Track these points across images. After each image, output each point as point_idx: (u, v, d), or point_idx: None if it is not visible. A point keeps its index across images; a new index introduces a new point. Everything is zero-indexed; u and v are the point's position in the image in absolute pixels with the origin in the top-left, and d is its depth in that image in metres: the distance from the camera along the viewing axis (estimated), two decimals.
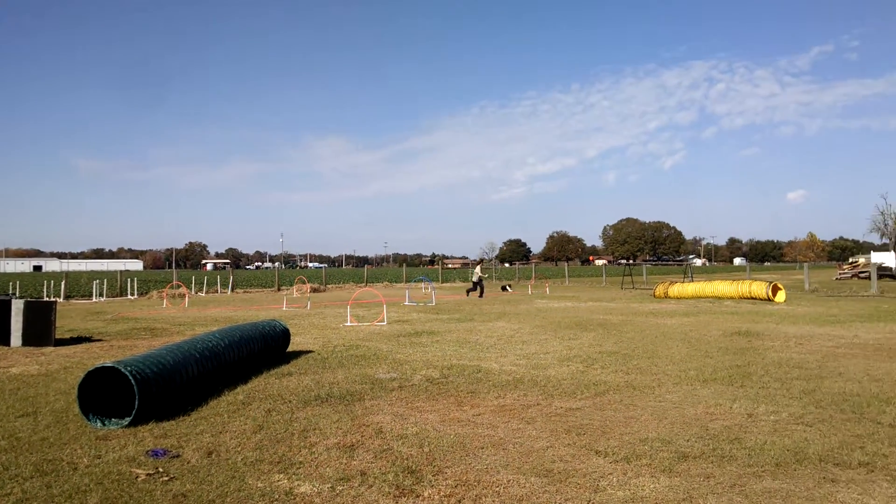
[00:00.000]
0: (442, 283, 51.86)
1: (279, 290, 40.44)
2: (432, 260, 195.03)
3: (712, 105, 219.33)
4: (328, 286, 44.96)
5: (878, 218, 50.14)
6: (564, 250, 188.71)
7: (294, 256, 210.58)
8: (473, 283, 30.91)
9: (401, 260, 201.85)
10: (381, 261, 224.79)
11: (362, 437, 6.12)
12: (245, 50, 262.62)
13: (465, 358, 10.96)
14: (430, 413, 7.09)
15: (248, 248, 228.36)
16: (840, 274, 54.00)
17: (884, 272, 44.74)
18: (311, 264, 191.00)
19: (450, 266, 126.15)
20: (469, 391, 8.23)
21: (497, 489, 4.70)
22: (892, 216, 48.96)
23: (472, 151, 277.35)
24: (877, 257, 56.36)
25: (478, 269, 32.04)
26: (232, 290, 40.04)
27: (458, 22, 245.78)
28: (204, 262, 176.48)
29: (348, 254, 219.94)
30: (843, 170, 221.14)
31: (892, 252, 49.12)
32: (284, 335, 11.29)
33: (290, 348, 11.85)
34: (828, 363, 9.92)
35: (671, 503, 4.40)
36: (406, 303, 25.85)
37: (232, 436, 6.18)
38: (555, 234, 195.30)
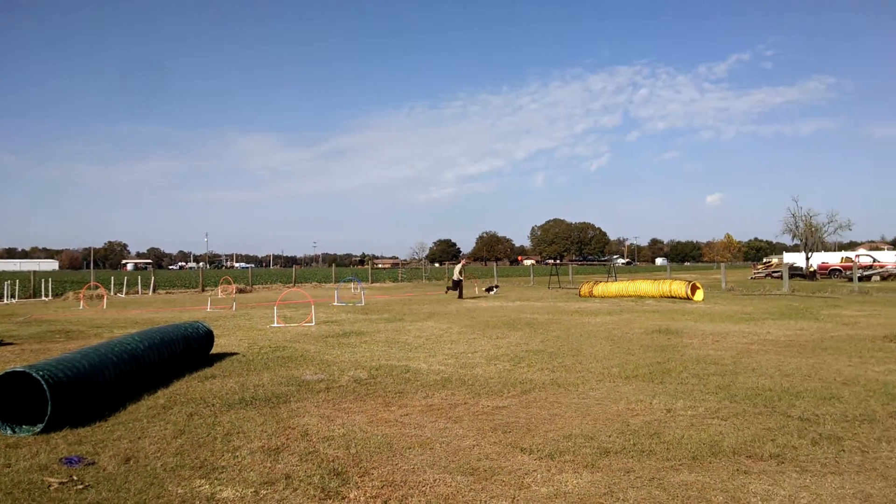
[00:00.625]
0: (372, 283, 51.61)
1: (203, 290, 39.43)
2: (362, 260, 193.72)
3: (636, 109, 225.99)
4: (255, 287, 44.09)
5: (790, 220, 52.41)
6: (494, 250, 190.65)
7: (220, 256, 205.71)
8: (453, 281, 29.61)
9: (330, 260, 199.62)
10: (309, 261, 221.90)
11: (287, 439, 6.04)
12: (161, 43, 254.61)
13: (394, 358, 10.94)
14: (357, 414, 7.06)
15: (170, 248, 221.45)
16: (755, 273, 56.37)
17: (795, 272, 46.95)
18: (237, 264, 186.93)
19: (380, 266, 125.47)
20: (397, 391, 8.23)
21: (423, 489, 4.72)
22: (803, 218, 51.29)
23: (402, 151, 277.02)
24: (789, 258, 58.97)
25: (458, 267, 30.37)
26: (154, 290, 38.80)
27: (386, 21, 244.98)
28: (124, 262, 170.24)
29: (276, 254, 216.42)
30: (757, 174, 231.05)
31: (803, 253, 51.50)
32: (208, 337, 11.03)
33: (214, 350, 11.58)
34: (742, 359, 10.34)
35: (593, 498, 4.51)
36: (335, 303, 25.62)
37: (151, 441, 6.00)
38: (484, 235, 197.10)
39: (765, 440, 5.80)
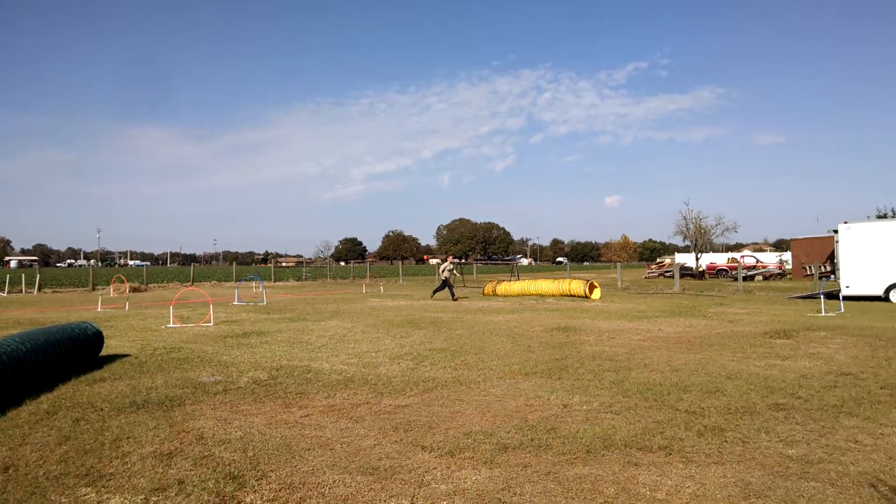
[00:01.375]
0: (274, 282, 50.52)
1: (94, 289, 37.54)
2: (265, 258, 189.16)
3: (540, 112, 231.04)
4: (150, 286, 42.34)
5: (682, 222, 55.01)
6: (400, 249, 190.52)
7: (112, 254, 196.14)
8: (442, 282, 26.93)
9: (231, 258, 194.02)
10: (209, 259, 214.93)
11: (181, 443, 5.83)
12: (50, 30, 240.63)
13: (296, 358, 10.76)
14: (255, 416, 6.90)
15: (59, 245, 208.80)
16: (648, 273, 58.81)
17: (685, 271, 49.29)
18: (131, 262, 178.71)
19: (283, 265, 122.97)
20: (298, 392, 8.09)
21: (322, 490, 4.67)
22: (693, 221, 53.89)
23: (308, 148, 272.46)
24: (680, 258, 61.87)
25: (446, 265, 27.80)
26: (39, 289, 36.61)
27: (290, 16, 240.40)
28: (7, 258, 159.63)
29: (174, 251, 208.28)
30: (652, 177, 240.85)
31: (693, 253, 54.12)
32: (97, 338, 10.50)
33: (105, 352, 11.05)
34: (635, 355, 10.76)
35: (490, 493, 4.58)
36: (235, 302, 24.95)
37: (33, 448, 5.66)
38: (391, 233, 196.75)
39: (654, 433, 6.06)
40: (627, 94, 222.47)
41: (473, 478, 4.89)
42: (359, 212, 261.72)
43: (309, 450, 5.65)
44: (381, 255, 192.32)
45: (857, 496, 4.41)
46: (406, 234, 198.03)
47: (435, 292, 27.56)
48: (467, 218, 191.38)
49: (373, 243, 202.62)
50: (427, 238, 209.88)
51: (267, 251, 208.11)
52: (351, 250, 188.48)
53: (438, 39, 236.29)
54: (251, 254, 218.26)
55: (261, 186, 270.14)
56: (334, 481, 4.84)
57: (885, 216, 51.71)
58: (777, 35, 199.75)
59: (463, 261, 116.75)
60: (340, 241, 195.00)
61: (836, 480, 4.73)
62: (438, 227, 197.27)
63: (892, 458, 5.23)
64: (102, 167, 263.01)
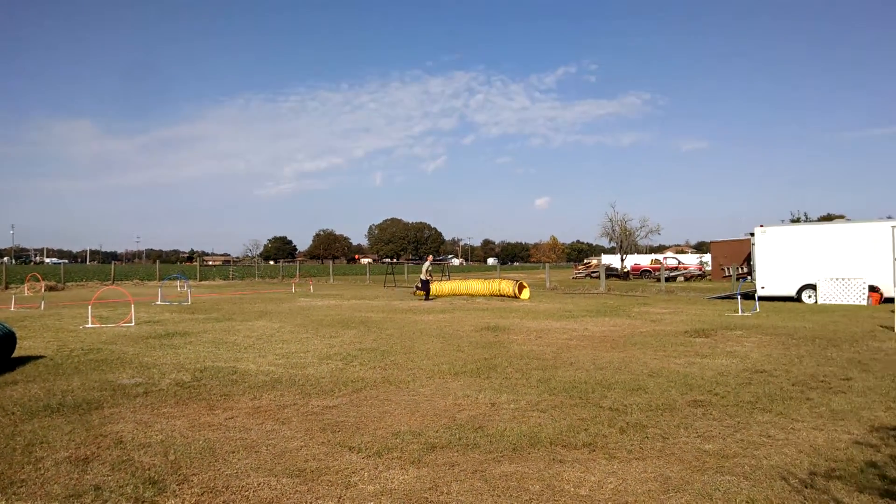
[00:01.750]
0: (200, 280, 49.27)
1: (7, 288, 35.78)
2: (191, 257, 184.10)
3: (472, 114, 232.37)
4: (68, 284, 40.68)
5: (608, 224, 56.23)
6: (331, 249, 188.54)
7: (28, 251, 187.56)
8: (422, 281, 26.47)
9: (155, 256, 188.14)
10: (132, 257, 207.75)
11: (98, 448, 5.62)
12: None
13: (221, 359, 10.52)
14: (178, 419, 6.71)
15: None
16: (576, 273, 59.99)
17: (611, 272, 50.52)
18: (48, 260, 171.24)
19: (210, 263, 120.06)
20: (223, 394, 7.92)
21: (246, 493, 4.58)
22: (619, 223, 55.21)
23: (237, 144, 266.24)
24: (606, 259, 63.34)
25: (425, 265, 27.11)
26: None
27: (219, 6, 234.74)
28: None
29: (94, 249, 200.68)
30: (581, 180, 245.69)
31: (619, 255, 55.49)
32: (8, 339, 10.01)
33: (17, 353, 10.55)
34: (562, 354, 10.96)
35: (417, 493, 4.59)
36: (158, 302, 24.21)
37: None
38: (321, 233, 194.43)
39: (579, 430, 6.19)
40: (557, 97, 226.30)
41: (401, 478, 4.88)
42: (289, 210, 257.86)
43: (233, 452, 5.53)
44: (312, 254, 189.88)
45: (769, 489, 4.60)
46: (337, 233, 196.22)
47: (417, 290, 27.45)
48: (399, 218, 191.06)
49: (303, 242, 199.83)
50: (358, 237, 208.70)
51: (193, 249, 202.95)
52: (280, 249, 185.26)
53: (371, 38, 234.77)
54: (176, 252, 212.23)
55: (187, 183, 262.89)
56: (259, 484, 4.76)
57: (798, 221, 54.20)
58: (701, 43, 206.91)
59: (394, 260, 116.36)
60: (270, 240, 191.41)
61: (750, 474, 4.93)
62: (370, 227, 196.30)
63: (802, 451, 5.48)
64: (15, 160, 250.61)
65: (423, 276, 26.50)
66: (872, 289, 21.67)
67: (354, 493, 4.60)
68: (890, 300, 18.48)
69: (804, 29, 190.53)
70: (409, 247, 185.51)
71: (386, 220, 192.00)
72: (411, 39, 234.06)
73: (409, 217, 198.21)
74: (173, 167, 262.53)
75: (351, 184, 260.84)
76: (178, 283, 40.17)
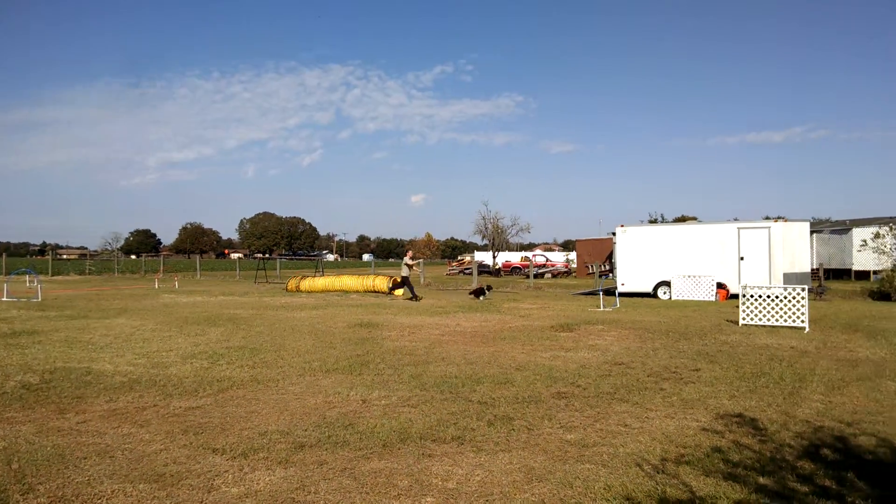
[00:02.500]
0: (53, 276, 45.96)
1: None
2: (42, 250, 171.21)
3: (348, 108, 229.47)
4: None
5: (481, 222, 57.61)
6: (198, 243, 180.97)
7: None
8: (402, 278, 24.69)
9: (1, 249, 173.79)
10: None
11: None
12: None
13: (74, 360, 9.87)
14: (23, 424, 6.23)
15: None
16: (450, 270, 60.88)
17: (483, 269, 51.64)
18: None
19: (64, 257, 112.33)
20: (75, 396, 7.43)
21: (98, 501, 4.32)
22: (492, 221, 56.61)
23: (96, 131, 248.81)
24: (479, 256, 64.69)
25: (406, 258, 25.18)
26: None
27: None
28: None
29: None
30: (456, 178, 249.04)
31: (491, 252, 56.83)
32: None
33: None
34: (434, 350, 11.09)
35: (284, 493, 4.50)
36: (4, 298, 22.36)
37: None
38: (189, 226, 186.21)
39: (448, 424, 6.28)
40: (434, 96, 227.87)
41: (267, 479, 4.77)
42: (153, 202, 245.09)
43: (85, 458, 5.20)
44: (178, 248, 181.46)
45: (624, 475, 4.86)
46: (206, 226, 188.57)
47: (393, 289, 25.53)
48: (272, 212, 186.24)
49: (168, 236, 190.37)
50: (229, 232, 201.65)
51: (45, 242, 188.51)
52: (143, 243, 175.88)
53: (245, 26, 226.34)
54: (26, 245, 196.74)
55: (40, 171, 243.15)
56: (113, 491, 4.50)
57: (655, 221, 57.57)
58: (571, 49, 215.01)
59: (267, 255, 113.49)
60: (132, 233, 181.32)
61: (608, 462, 5.19)
62: (241, 221, 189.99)
63: (655, 439, 5.83)
64: None
65: (403, 273, 24.62)
66: (720, 285, 23.37)
67: (217, 496, 4.45)
68: (735, 296, 19.98)
69: (668, 38, 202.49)
70: (282, 242, 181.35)
71: (258, 214, 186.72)
72: (287, 30, 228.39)
73: (283, 211, 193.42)
74: (24, 154, 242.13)
75: (222, 176, 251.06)
76: (27, 278, 37.25)
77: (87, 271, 52.43)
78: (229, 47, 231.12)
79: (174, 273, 49.79)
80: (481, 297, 23.31)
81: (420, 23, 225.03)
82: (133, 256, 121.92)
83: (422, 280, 36.73)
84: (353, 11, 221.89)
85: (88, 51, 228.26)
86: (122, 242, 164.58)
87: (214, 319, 15.84)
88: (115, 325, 14.66)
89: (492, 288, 24.88)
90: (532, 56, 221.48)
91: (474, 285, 26.30)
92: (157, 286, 33.06)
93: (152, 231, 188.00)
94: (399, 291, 26.22)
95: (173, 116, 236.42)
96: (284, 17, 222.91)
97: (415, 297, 23.21)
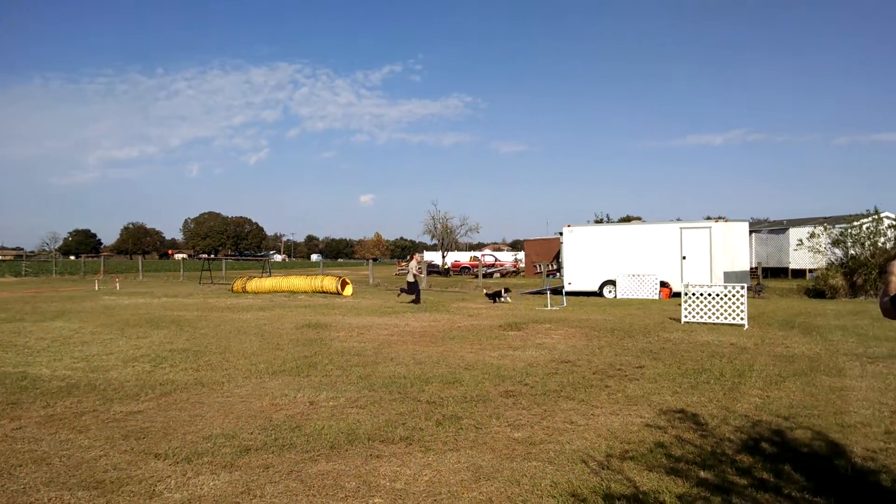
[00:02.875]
0: None
1: None
2: None
3: (296, 107, 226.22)
4: None
5: (430, 222, 57.65)
6: (141, 243, 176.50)
7: None
8: (409, 283, 22.76)
9: None
10: None
11: None
12: None
13: (8, 364, 9.54)
14: None
15: None
16: (399, 270, 60.69)
17: (433, 268, 51.70)
18: None
19: None
20: (9, 402, 7.18)
21: None
22: (441, 221, 56.74)
23: (33, 128, 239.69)
24: (428, 256, 64.68)
25: (413, 263, 24.01)
26: None
27: None
28: None
29: None
30: (405, 178, 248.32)
31: (440, 252, 56.97)
32: None
33: None
34: (383, 350, 11.05)
35: (229, 498, 4.43)
36: None
37: None
38: (130, 226, 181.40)
39: (396, 424, 6.27)
40: (382, 95, 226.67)
41: (211, 483, 4.69)
42: (94, 201, 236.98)
43: (20, 466, 5.03)
44: (119, 249, 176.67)
45: (570, 472, 4.92)
46: (148, 226, 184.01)
47: (402, 293, 23.30)
48: (217, 212, 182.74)
49: (109, 236, 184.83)
50: (173, 232, 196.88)
51: None
52: (83, 243, 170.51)
53: (190, 22, 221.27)
54: None
55: None
56: (50, 499, 4.37)
57: (601, 221, 58.46)
58: (518, 51, 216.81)
59: (212, 256, 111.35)
60: (70, 233, 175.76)
61: (554, 459, 5.25)
62: (185, 221, 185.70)
63: (601, 435, 5.93)
64: None
65: (409, 279, 22.93)
66: (663, 284, 23.89)
67: (160, 502, 4.36)
68: (678, 294, 20.45)
69: (613, 42, 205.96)
70: (228, 242, 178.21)
71: (203, 214, 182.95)
72: (234, 26, 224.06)
73: (229, 211, 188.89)
74: None
75: (165, 174, 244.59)
76: None
77: (23, 272, 50.61)
78: (174, 44, 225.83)
79: (115, 274, 48.44)
80: (498, 300, 21.77)
81: (369, 22, 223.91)
82: (72, 257, 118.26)
83: (371, 280, 36.58)
84: (300, 9, 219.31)
85: (24, 45, 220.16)
86: (61, 243, 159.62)
87: (157, 322, 15.48)
88: (52, 328, 14.20)
89: (510, 290, 23.32)
90: (482, 57, 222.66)
91: (491, 287, 24.34)
92: (97, 288, 32.12)
93: (92, 231, 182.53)
94: (349, 291, 26.03)
95: (114, 113, 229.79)
96: (230, 14, 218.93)
97: (417, 302, 21.25)
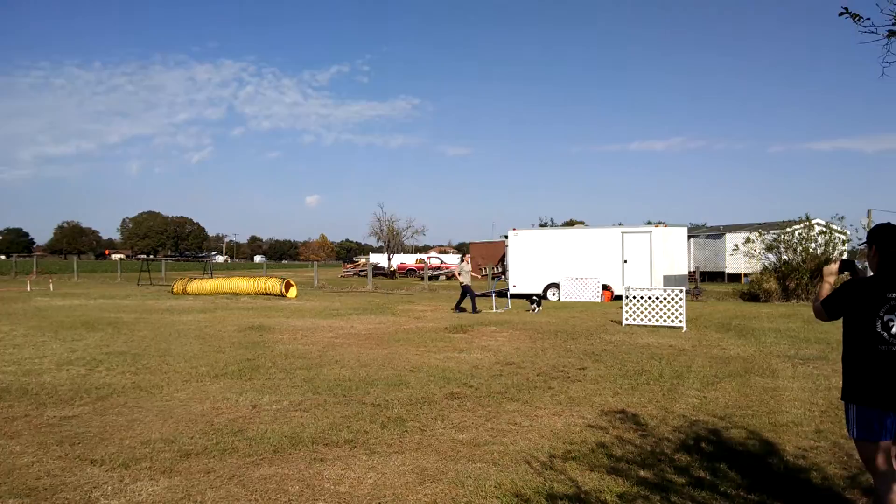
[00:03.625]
0: None
1: None
2: None
3: (241, 105, 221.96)
4: None
5: (376, 224, 57.39)
6: (76, 243, 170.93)
7: None
8: (464, 286, 19.83)
9: None
10: None
11: None
12: None
13: None
14: None
15: None
16: (344, 272, 60.37)
17: (378, 271, 51.51)
18: None
19: None
20: None
21: None
22: (387, 223, 56.57)
23: None
24: (374, 258, 64.41)
25: (465, 265, 20.92)
26: None
27: None
28: None
29: None
30: (352, 179, 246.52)
31: (386, 254, 56.81)
32: None
33: None
34: (327, 352, 10.97)
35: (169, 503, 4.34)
36: None
37: None
38: (65, 225, 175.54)
39: (341, 427, 6.24)
40: (330, 95, 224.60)
41: (150, 489, 4.58)
42: (26, 199, 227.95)
43: None
44: (53, 248, 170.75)
45: (514, 473, 4.98)
46: (84, 225, 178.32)
47: (457, 306, 19.76)
48: (157, 211, 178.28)
49: (43, 235, 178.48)
50: (110, 231, 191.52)
51: None
52: (14, 242, 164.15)
53: (130, 14, 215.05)
54: None
55: None
56: None
57: (545, 225, 59.18)
58: (465, 53, 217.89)
59: (151, 256, 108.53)
60: (1, 232, 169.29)
61: (499, 460, 5.30)
62: (124, 220, 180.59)
63: (544, 436, 6.01)
64: None
65: (464, 281, 20.05)
66: (605, 287, 24.34)
67: None
68: (619, 297, 20.87)
69: (561, 47, 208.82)
70: (168, 242, 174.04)
71: (143, 214, 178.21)
72: (177, 20, 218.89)
73: (170, 211, 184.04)
74: None
75: (102, 172, 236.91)
76: None
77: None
78: (113, 37, 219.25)
79: (49, 275, 46.76)
80: (534, 310, 19.22)
81: (317, 21, 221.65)
82: (3, 257, 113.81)
83: (316, 282, 36.21)
84: (246, 6, 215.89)
85: None
86: None
87: (93, 324, 15.03)
88: None
89: (545, 298, 21.72)
90: (429, 59, 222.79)
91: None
92: (29, 288, 30.96)
93: (24, 230, 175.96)
94: (293, 293, 25.71)
95: (49, 108, 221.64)
96: (173, 8, 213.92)
97: (475, 310, 19.05)
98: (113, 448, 5.54)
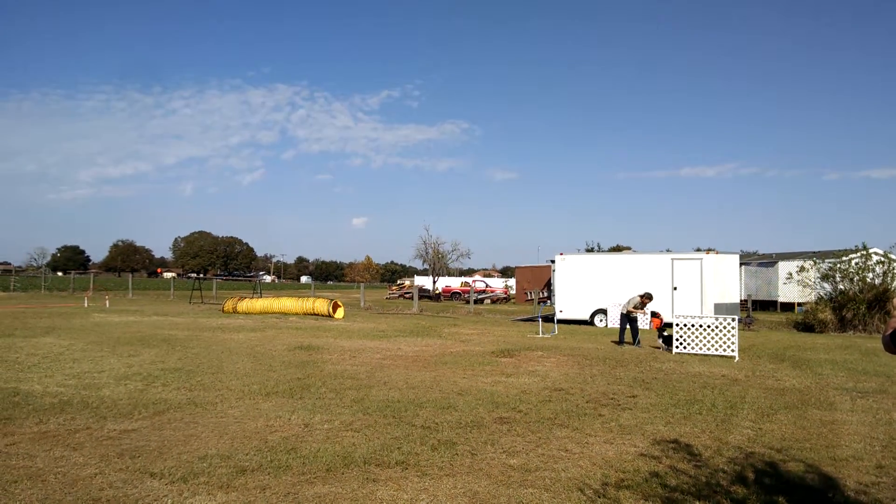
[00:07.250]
0: None
1: None
2: None
3: (293, 129, 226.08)
4: None
5: (422, 246, 57.80)
6: (130, 261, 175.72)
7: None
8: (629, 321, 17.99)
9: None
10: None
11: None
12: None
13: (0, 379, 9.46)
14: None
15: None
16: (390, 294, 60.73)
17: (423, 293, 51.69)
18: None
19: None
20: (3, 418, 7.15)
21: None
22: (433, 246, 56.88)
23: (26, 141, 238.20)
24: (419, 280, 64.68)
25: (636, 298, 18.36)
26: None
27: None
28: None
29: None
30: (398, 202, 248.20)
31: (431, 277, 57.02)
32: None
33: None
34: (376, 373, 11.05)
35: None
36: None
37: None
38: (120, 243, 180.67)
39: (392, 448, 6.28)
40: (380, 119, 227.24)
41: (207, 503, 4.68)
42: (84, 218, 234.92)
43: (15, 482, 5.01)
44: (108, 266, 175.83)
45: (567, 499, 4.95)
46: (138, 244, 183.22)
47: (622, 339, 17.75)
48: (208, 231, 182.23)
49: (98, 253, 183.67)
50: (162, 250, 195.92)
51: None
52: (71, 259, 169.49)
53: (190, 40, 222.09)
54: None
55: None
56: None
57: (592, 250, 58.70)
58: (515, 78, 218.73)
59: (202, 275, 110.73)
60: (59, 249, 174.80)
61: (550, 486, 5.27)
62: (176, 239, 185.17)
63: (596, 464, 5.96)
64: None
65: (632, 312, 18.06)
66: (654, 314, 23.96)
67: None
68: (669, 325, 20.50)
69: (610, 72, 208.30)
70: (217, 262, 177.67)
71: (194, 233, 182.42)
72: (233, 46, 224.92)
73: (220, 231, 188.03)
74: None
75: (158, 193, 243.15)
76: None
77: (11, 288, 50.24)
78: (172, 62, 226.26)
79: (105, 291, 48.15)
80: (666, 348, 16.25)
81: (368, 46, 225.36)
82: (60, 273, 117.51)
83: (362, 303, 36.50)
84: (299, 32, 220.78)
85: (24, 60, 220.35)
86: (49, 258, 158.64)
87: (148, 340, 15.42)
88: (42, 343, 14.12)
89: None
90: (479, 83, 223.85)
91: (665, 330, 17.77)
92: (86, 304, 31.92)
93: (81, 248, 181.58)
94: (340, 314, 25.96)
95: (109, 130, 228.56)
96: (230, 34, 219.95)
97: (636, 342, 17.48)
98: (171, 462, 5.68)
